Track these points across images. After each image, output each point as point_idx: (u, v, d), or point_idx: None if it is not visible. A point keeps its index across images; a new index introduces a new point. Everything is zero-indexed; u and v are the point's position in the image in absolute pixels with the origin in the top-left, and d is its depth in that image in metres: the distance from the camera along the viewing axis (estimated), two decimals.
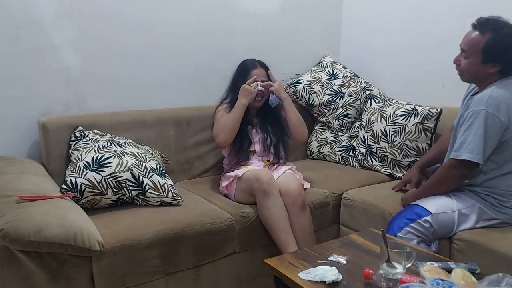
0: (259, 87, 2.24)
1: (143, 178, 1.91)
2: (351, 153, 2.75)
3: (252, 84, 2.24)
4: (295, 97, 2.87)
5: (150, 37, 2.44)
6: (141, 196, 1.93)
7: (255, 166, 2.25)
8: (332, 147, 2.82)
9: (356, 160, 2.71)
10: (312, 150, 2.89)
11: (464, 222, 1.80)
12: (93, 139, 2.05)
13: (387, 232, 1.82)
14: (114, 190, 1.88)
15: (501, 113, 1.70)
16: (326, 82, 2.86)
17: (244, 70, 2.34)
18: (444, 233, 1.81)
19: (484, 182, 1.81)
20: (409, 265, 1.42)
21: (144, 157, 2.00)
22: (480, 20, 1.77)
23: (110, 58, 2.34)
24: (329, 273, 1.39)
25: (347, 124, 2.83)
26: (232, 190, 2.15)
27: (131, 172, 1.89)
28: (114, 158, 1.90)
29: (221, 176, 2.32)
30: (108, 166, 1.87)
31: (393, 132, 2.50)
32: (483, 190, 1.81)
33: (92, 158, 1.89)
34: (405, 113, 2.49)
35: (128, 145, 2.04)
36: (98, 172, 1.85)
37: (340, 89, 2.83)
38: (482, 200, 1.80)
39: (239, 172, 2.15)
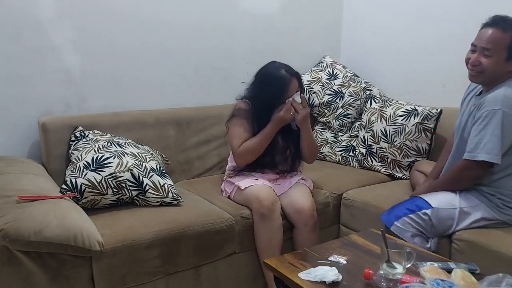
0: (298, 98, 2.07)
1: (143, 178, 1.91)
2: (351, 153, 2.75)
3: (292, 113, 2.05)
4: None
5: (150, 37, 2.44)
6: (141, 196, 1.93)
7: (262, 175, 2.17)
8: (332, 147, 2.82)
9: (356, 160, 2.71)
10: None
11: (464, 220, 1.79)
12: (93, 139, 2.05)
13: (383, 216, 1.85)
14: (114, 190, 1.88)
15: None
16: (326, 82, 2.86)
17: (281, 86, 2.06)
18: (442, 230, 1.81)
19: (491, 182, 1.80)
20: (409, 265, 1.42)
21: (144, 157, 2.00)
22: (496, 18, 1.75)
23: (111, 58, 2.34)
24: (329, 273, 1.39)
25: (347, 124, 2.83)
26: (232, 195, 2.14)
27: (131, 172, 1.89)
28: (114, 158, 1.90)
29: (223, 177, 2.28)
30: (108, 166, 1.87)
31: (393, 132, 2.50)
32: (489, 189, 1.80)
33: (92, 158, 1.89)
34: (405, 113, 2.49)
35: (128, 145, 2.04)
36: (98, 172, 1.85)
37: (340, 89, 2.82)
38: (487, 200, 1.80)
39: (242, 184, 2.07)
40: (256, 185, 2.06)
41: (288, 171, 2.22)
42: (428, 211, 1.78)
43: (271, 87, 2.08)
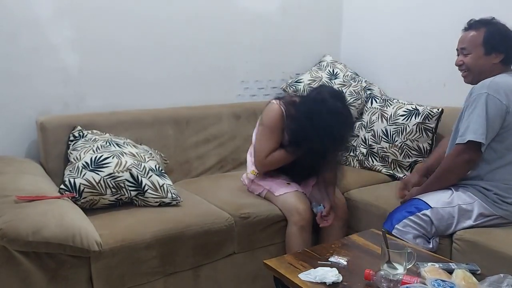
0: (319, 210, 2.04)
1: (142, 178, 1.90)
2: (351, 153, 2.74)
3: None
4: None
5: (149, 36, 2.43)
6: (140, 197, 1.92)
7: (287, 176, 2.17)
8: None
9: (357, 160, 2.70)
10: None
11: (464, 217, 1.79)
12: (92, 139, 2.04)
13: (385, 224, 1.86)
14: (113, 190, 1.87)
15: (501, 96, 1.74)
16: (326, 81, 2.85)
17: (338, 136, 1.93)
18: (443, 229, 1.81)
19: (487, 174, 1.81)
20: (410, 265, 1.42)
21: (143, 157, 1.99)
22: (471, 21, 1.89)
23: (109, 57, 2.33)
24: (330, 274, 1.38)
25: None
26: (262, 194, 2.15)
27: (130, 172, 1.88)
28: (113, 158, 1.89)
29: (249, 168, 2.21)
30: (107, 166, 1.86)
31: (394, 132, 2.49)
32: (486, 184, 1.80)
33: (91, 158, 1.88)
34: (406, 113, 2.48)
35: (127, 145, 2.03)
36: (96, 172, 1.84)
37: (340, 89, 2.81)
38: (484, 196, 1.80)
39: (274, 190, 2.08)
40: (290, 193, 2.07)
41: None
42: (427, 212, 1.79)
43: (324, 111, 1.88)
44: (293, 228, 2.01)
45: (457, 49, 1.93)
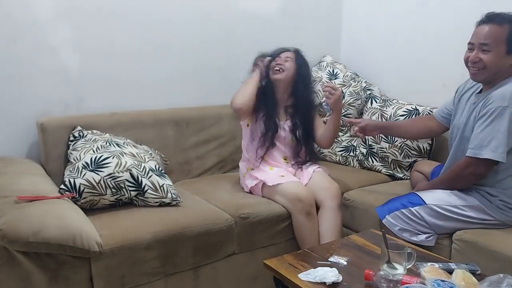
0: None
1: (142, 178, 1.90)
2: (351, 153, 2.74)
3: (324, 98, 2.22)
4: None
5: (149, 37, 2.43)
6: (140, 197, 1.92)
7: (281, 167, 2.22)
8: (332, 147, 2.81)
9: (356, 160, 2.70)
10: None
11: (462, 219, 1.77)
12: (92, 139, 2.04)
13: (379, 209, 1.88)
14: (113, 190, 1.87)
15: None
16: (326, 81, 2.85)
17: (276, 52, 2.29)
18: (439, 227, 1.79)
19: (496, 183, 1.76)
20: (409, 266, 1.42)
21: (143, 158, 1.99)
22: (490, 14, 1.73)
23: (109, 58, 2.33)
24: (330, 274, 1.38)
25: (348, 124, 2.82)
26: (258, 190, 2.17)
27: (130, 173, 1.88)
28: (113, 159, 1.89)
29: (244, 170, 2.29)
30: (107, 167, 1.86)
31: None
32: (492, 190, 1.77)
33: (91, 158, 1.88)
34: (406, 113, 2.48)
35: (127, 145, 2.03)
36: (97, 172, 1.84)
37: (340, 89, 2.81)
38: (488, 202, 1.77)
39: (269, 180, 2.12)
40: (287, 183, 2.09)
41: (299, 163, 2.28)
42: (420, 208, 1.79)
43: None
44: (299, 218, 2.02)
45: (471, 43, 1.76)
